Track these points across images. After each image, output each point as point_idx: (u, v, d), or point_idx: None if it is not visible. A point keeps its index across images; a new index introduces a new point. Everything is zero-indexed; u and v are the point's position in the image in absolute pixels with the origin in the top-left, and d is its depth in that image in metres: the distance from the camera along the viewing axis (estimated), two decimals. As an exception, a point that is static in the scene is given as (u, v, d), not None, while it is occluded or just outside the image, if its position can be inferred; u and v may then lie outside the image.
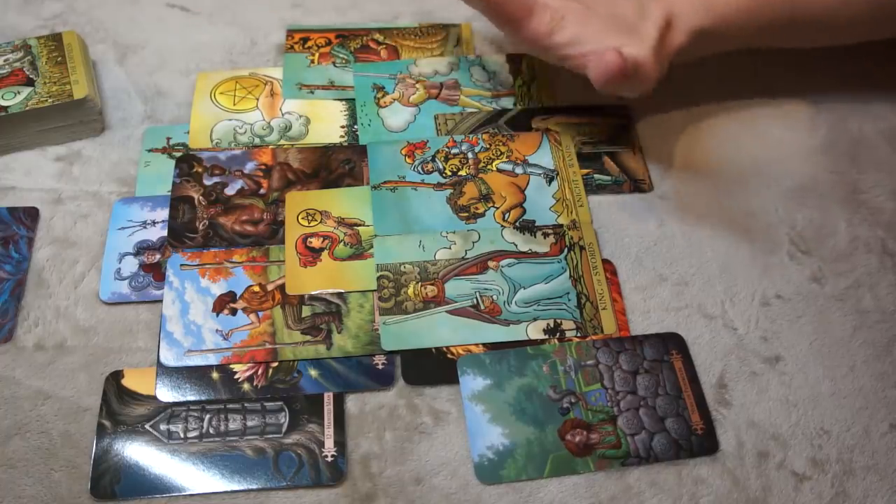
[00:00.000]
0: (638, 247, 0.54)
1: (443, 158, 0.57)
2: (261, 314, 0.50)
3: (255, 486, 0.45)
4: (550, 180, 0.56)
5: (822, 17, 0.55)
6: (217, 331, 0.49)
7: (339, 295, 0.51)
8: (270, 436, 0.46)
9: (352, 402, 0.48)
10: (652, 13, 0.52)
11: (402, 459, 0.46)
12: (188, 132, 0.59)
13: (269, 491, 0.45)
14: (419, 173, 0.56)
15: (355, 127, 0.59)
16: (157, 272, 0.52)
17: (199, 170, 0.56)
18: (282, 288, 0.51)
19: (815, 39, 0.59)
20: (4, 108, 0.55)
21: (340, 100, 0.61)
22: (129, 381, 0.48)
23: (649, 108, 0.61)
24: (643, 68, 0.51)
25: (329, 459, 0.45)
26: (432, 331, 0.50)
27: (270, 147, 0.58)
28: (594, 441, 0.46)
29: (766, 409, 0.48)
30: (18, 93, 0.56)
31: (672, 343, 0.50)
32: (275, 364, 0.48)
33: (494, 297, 0.51)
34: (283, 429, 0.46)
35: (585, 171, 0.57)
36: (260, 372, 0.48)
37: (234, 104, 0.61)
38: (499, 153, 0.58)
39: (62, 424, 0.46)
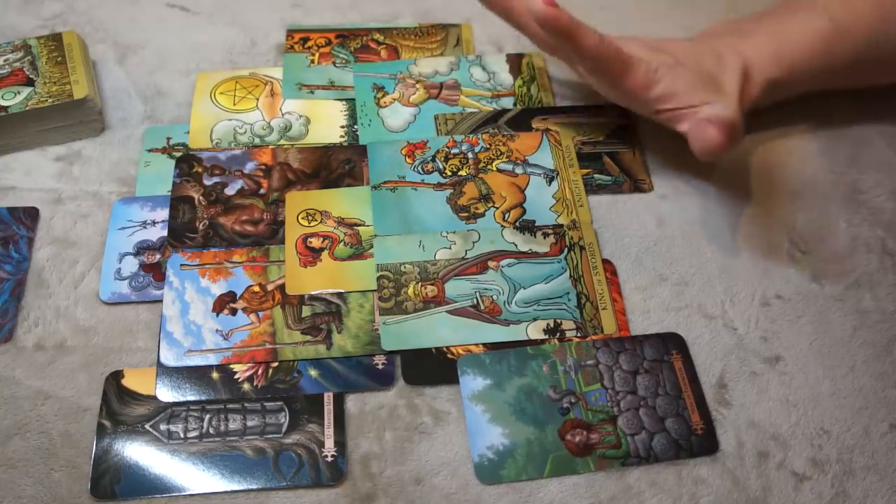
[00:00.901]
0: (638, 247, 0.54)
1: (443, 158, 0.57)
2: (261, 314, 0.50)
3: (255, 486, 0.45)
4: (550, 180, 0.56)
5: (891, 55, 0.56)
6: (217, 331, 0.49)
7: (339, 295, 0.51)
8: (270, 436, 0.46)
9: (352, 402, 0.48)
10: (730, 66, 0.53)
11: (402, 459, 0.46)
12: (188, 132, 0.59)
13: (269, 491, 0.45)
14: (419, 173, 0.56)
15: (355, 127, 0.59)
16: (157, 272, 0.52)
17: (199, 170, 0.56)
18: (282, 288, 0.51)
19: (881, 78, 0.59)
20: (4, 108, 0.55)
21: (340, 100, 0.61)
22: (129, 381, 0.48)
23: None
24: (738, 128, 0.51)
25: (329, 459, 0.45)
26: (432, 331, 0.50)
27: (270, 147, 0.58)
28: (594, 441, 0.46)
29: (766, 409, 0.48)
30: (18, 93, 0.56)
31: (672, 343, 0.50)
32: (275, 364, 0.48)
33: (494, 297, 0.51)
34: (283, 429, 0.46)
35: (585, 171, 0.57)
36: (260, 372, 0.48)
37: (234, 104, 0.61)
38: (499, 153, 0.58)
39: (62, 424, 0.46)
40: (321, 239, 0.53)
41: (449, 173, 0.56)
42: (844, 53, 0.55)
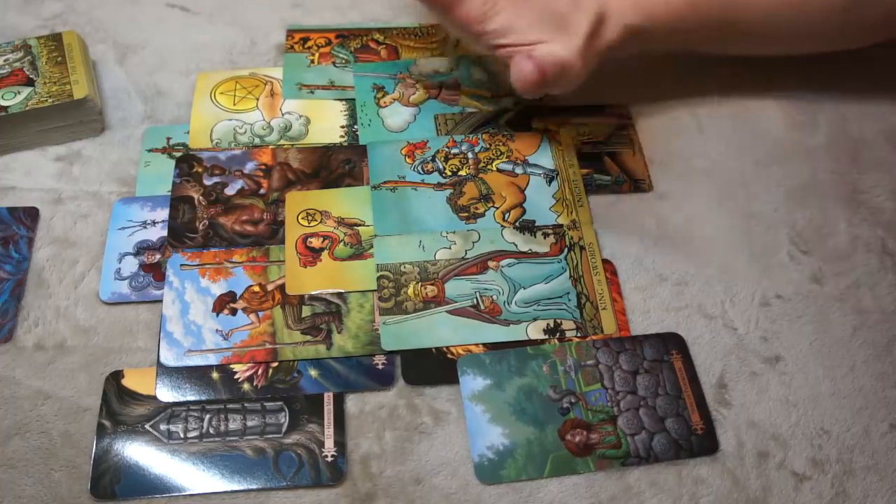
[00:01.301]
0: (638, 247, 0.54)
1: (443, 158, 0.57)
2: (261, 314, 0.50)
3: (255, 486, 0.45)
4: (550, 180, 0.56)
5: (756, 25, 0.56)
6: (217, 331, 0.49)
7: (339, 295, 0.51)
8: (270, 436, 0.46)
9: (352, 402, 0.48)
10: (586, 6, 0.52)
11: (402, 459, 0.46)
12: (188, 132, 0.59)
13: (269, 491, 0.45)
14: (419, 173, 0.56)
15: (355, 127, 0.59)
16: (157, 272, 0.52)
17: (199, 170, 0.56)
18: (282, 288, 0.51)
19: (749, 48, 0.59)
20: (4, 108, 0.55)
21: (340, 100, 0.61)
22: (129, 381, 0.48)
23: (649, 108, 0.61)
24: (568, 69, 0.50)
25: (329, 459, 0.45)
26: (432, 331, 0.50)
27: (270, 147, 0.58)
28: (594, 441, 0.46)
29: (766, 409, 0.48)
30: (18, 93, 0.56)
31: (672, 343, 0.50)
32: (275, 364, 0.48)
33: (494, 297, 0.51)
34: (283, 429, 0.46)
35: (585, 171, 0.57)
36: (260, 372, 0.48)
37: (234, 104, 0.61)
38: (499, 153, 0.58)
39: (62, 424, 0.46)
40: (321, 239, 0.53)
41: (449, 173, 0.56)
42: (710, 10, 0.54)
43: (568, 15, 0.51)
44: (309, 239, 0.53)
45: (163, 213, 0.54)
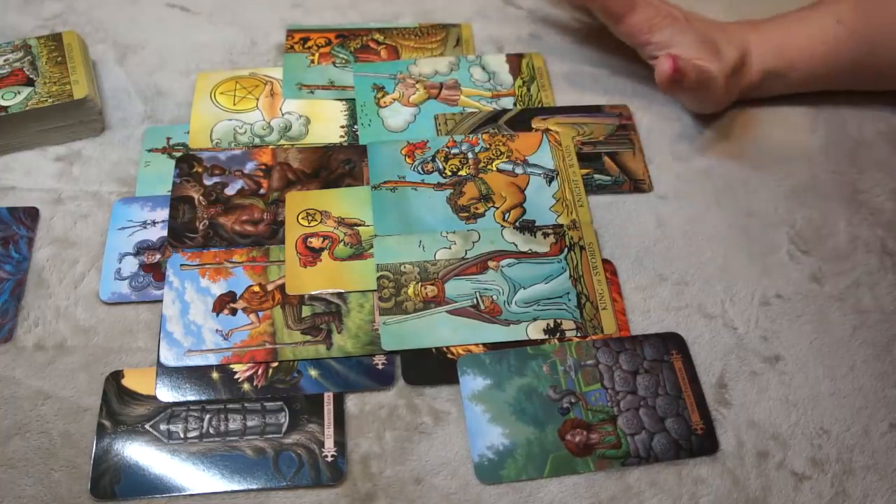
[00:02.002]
0: (638, 247, 0.54)
1: (443, 158, 0.57)
2: (261, 314, 0.50)
3: (255, 486, 0.45)
4: (550, 180, 0.56)
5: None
6: (217, 331, 0.49)
7: (339, 295, 0.51)
8: (270, 436, 0.46)
9: (352, 402, 0.48)
10: (734, 43, 0.57)
11: (402, 459, 0.46)
12: (188, 132, 0.59)
13: (269, 491, 0.45)
14: (419, 173, 0.56)
15: (355, 127, 0.59)
16: (157, 272, 0.52)
17: (199, 170, 0.56)
18: (282, 288, 0.51)
19: (883, 85, 0.61)
20: (4, 108, 0.55)
21: (340, 100, 0.61)
22: (129, 381, 0.48)
23: (649, 109, 0.61)
24: (706, 78, 0.54)
25: (329, 459, 0.45)
26: (432, 331, 0.50)
27: (270, 147, 0.58)
28: (594, 441, 0.46)
29: (766, 408, 0.48)
30: (18, 93, 0.56)
31: (672, 343, 0.50)
32: (275, 364, 0.48)
33: (494, 297, 0.51)
34: (283, 429, 0.46)
35: (585, 171, 0.57)
36: (260, 372, 0.48)
37: (234, 104, 0.61)
38: (499, 153, 0.58)
39: (62, 424, 0.46)
40: (321, 239, 0.53)
41: (449, 173, 0.56)
42: (851, 55, 0.57)
43: (720, 45, 0.56)
44: (309, 239, 0.53)
45: (163, 213, 0.54)
